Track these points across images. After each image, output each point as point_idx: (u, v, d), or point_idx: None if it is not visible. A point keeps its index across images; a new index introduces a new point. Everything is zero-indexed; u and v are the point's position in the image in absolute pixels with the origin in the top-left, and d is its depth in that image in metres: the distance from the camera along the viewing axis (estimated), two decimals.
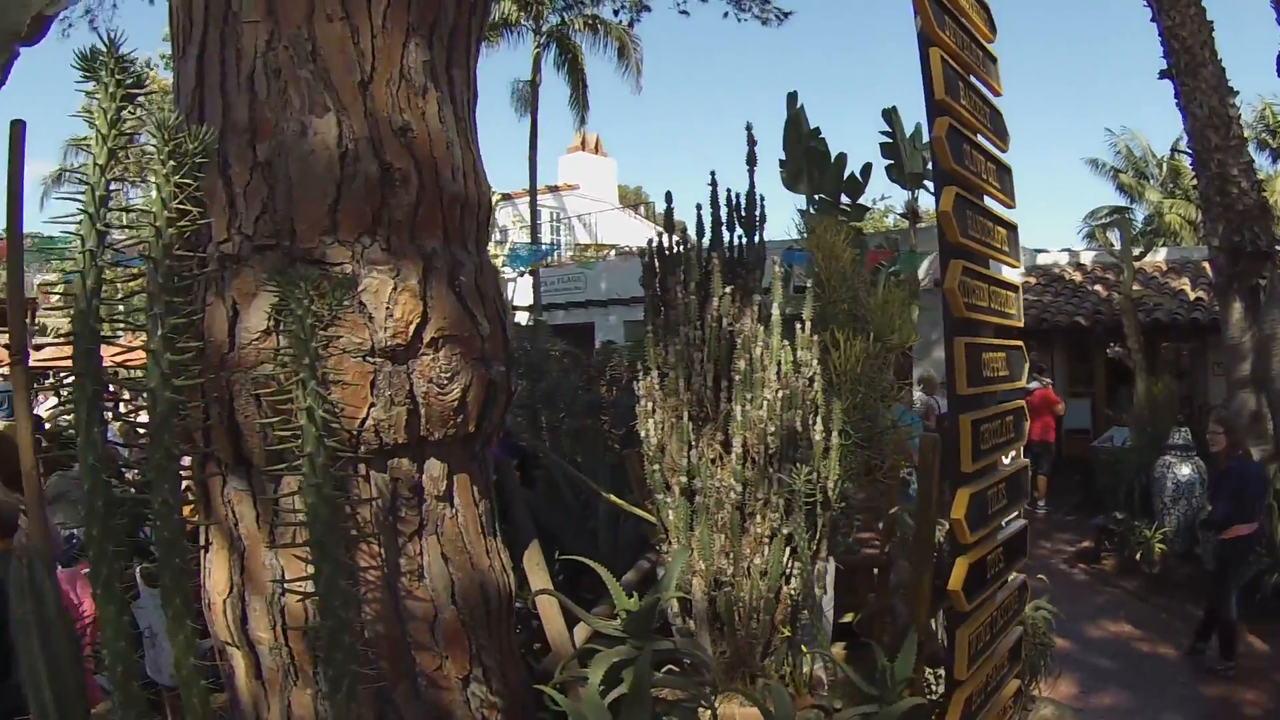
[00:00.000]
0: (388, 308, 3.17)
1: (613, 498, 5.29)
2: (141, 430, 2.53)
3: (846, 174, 16.63)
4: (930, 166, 17.25)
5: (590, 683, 3.57)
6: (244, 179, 3.23)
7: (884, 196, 41.87)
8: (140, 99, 2.49)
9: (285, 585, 3.05)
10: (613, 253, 29.71)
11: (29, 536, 3.13)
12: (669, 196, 5.48)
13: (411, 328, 3.20)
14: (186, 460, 3.13)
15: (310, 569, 2.51)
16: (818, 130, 16.68)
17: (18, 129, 2.87)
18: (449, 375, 3.28)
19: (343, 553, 2.52)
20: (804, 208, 16.23)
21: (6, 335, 3.06)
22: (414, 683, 3.30)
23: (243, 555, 3.28)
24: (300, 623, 3.16)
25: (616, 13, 24.66)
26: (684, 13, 20.36)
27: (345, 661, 2.55)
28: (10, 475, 7.17)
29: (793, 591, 4.72)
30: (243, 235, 3.23)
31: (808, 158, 16.23)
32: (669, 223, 5.37)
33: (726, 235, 5.37)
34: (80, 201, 2.38)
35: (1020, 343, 4.55)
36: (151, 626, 4.83)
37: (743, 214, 5.44)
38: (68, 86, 2.46)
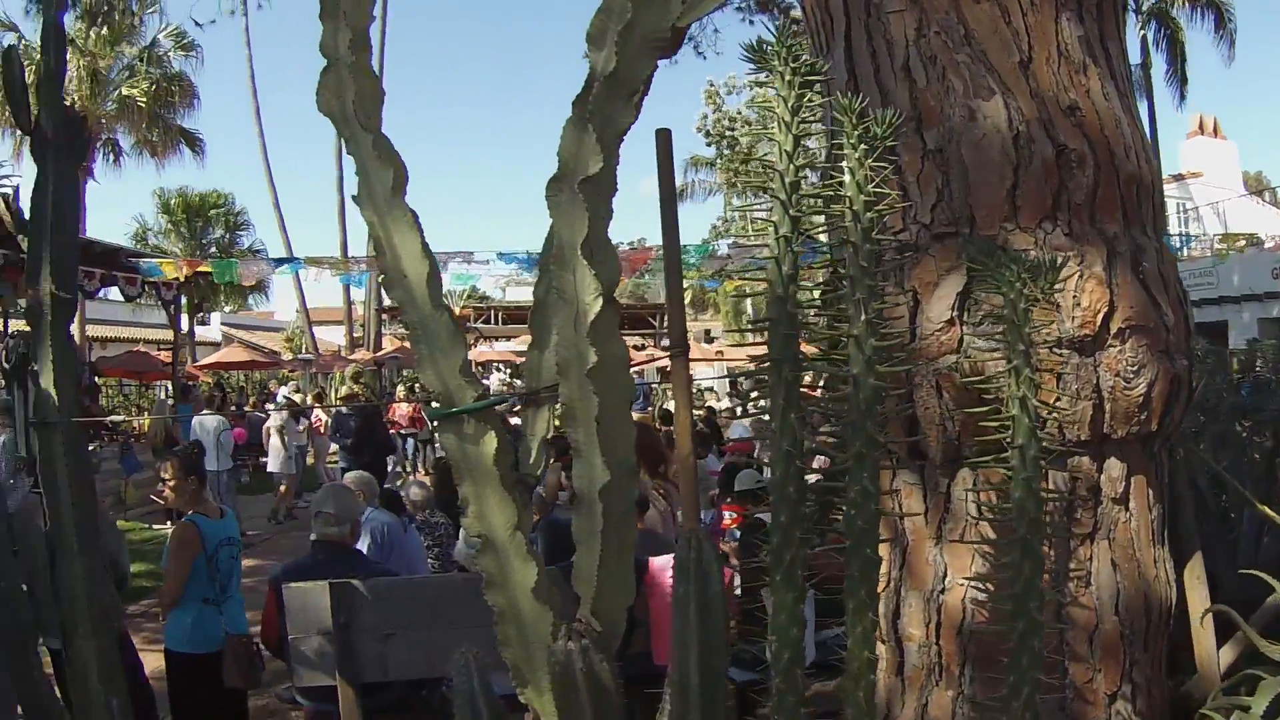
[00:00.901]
0: (1075, 296, 2.90)
1: (1265, 510, 4.73)
2: (832, 417, 2.44)
3: None
4: None
5: (1253, 711, 3.10)
6: (915, 167, 3.10)
7: None
8: (817, 85, 2.44)
9: (974, 583, 2.86)
10: (1245, 244, 27.49)
11: (685, 521, 3.17)
12: None
13: (1099, 317, 2.90)
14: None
15: (976, 567, 2.34)
16: None
17: (664, 137, 2.89)
18: (1134, 369, 2.93)
19: (1044, 552, 2.35)
20: None
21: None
22: (1063, 694, 2.99)
23: (905, 550, 3.14)
24: (956, 622, 2.98)
25: None
26: None
27: (1030, 667, 2.29)
28: (649, 462, 7.71)
29: None
30: (919, 224, 3.10)
31: None
32: None
33: None
34: (770, 189, 2.34)
35: None
36: None
37: None
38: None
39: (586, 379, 2.34)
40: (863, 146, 2.32)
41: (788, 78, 2.34)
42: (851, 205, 2.28)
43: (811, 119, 2.35)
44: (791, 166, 2.30)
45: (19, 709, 4.15)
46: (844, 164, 2.35)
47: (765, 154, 2.38)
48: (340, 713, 4.85)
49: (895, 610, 3.16)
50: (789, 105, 2.33)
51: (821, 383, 2.57)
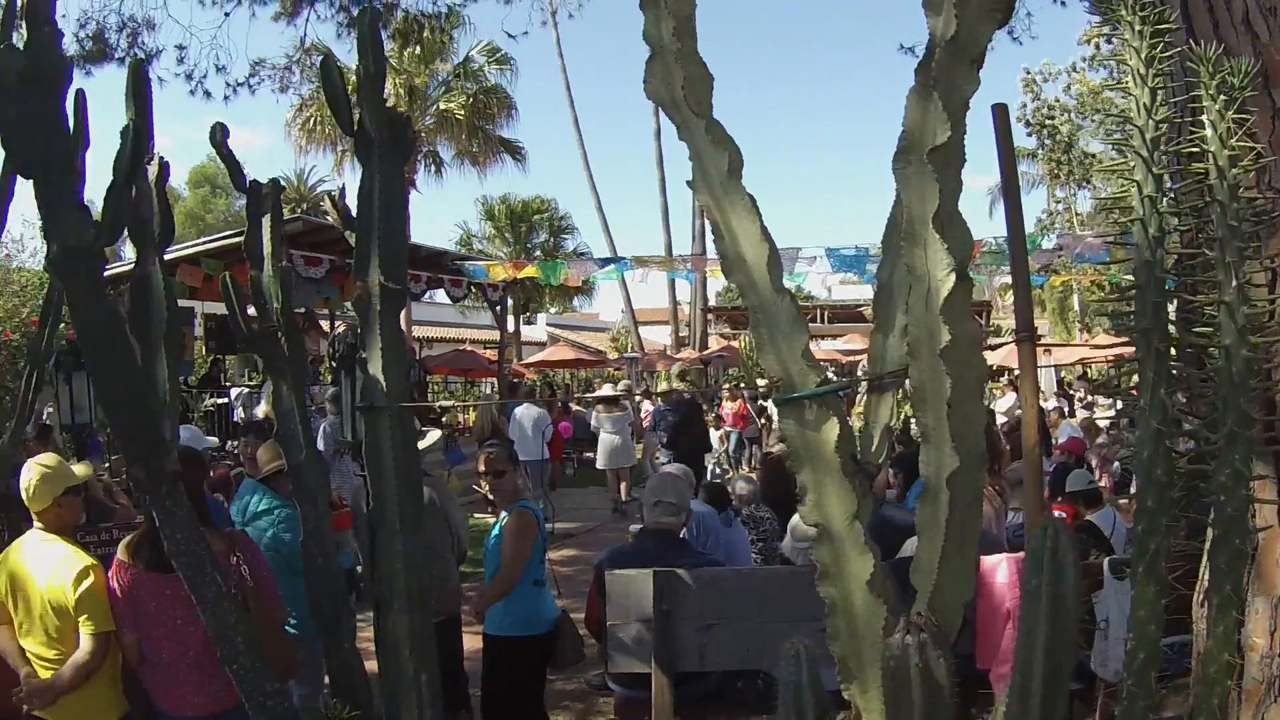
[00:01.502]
0: None
1: None
2: (1199, 393, 2.23)
3: None
4: None
5: None
6: (1267, 128, 2.78)
7: None
8: (1169, 35, 2.24)
9: None
10: None
11: (1030, 515, 2.98)
12: None
13: None
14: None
15: None
16: None
17: (1002, 112, 2.72)
18: None
19: None
20: None
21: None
22: None
23: (1254, 550, 2.79)
24: None
25: None
26: None
27: None
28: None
29: None
30: (1275, 190, 2.79)
31: None
32: None
33: None
34: (1131, 146, 2.16)
35: None
36: (1108, 618, 4.60)
37: None
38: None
39: (938, 359, 2.20)
40: (1222, 98, 2.10)
41: (1137, 27, 2.16)
42: (1215, 161, 2.06)
43: (1165, 70, 2.16)
44: (1151, 121, 2.11)
45: (326, 679, 4.34)
46: (1203, 117, 2.13)
47: (1120, 112, 2.20)
48: (651, 700, 4.83)
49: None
50: (1142, 56, 2.15)
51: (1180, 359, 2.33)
